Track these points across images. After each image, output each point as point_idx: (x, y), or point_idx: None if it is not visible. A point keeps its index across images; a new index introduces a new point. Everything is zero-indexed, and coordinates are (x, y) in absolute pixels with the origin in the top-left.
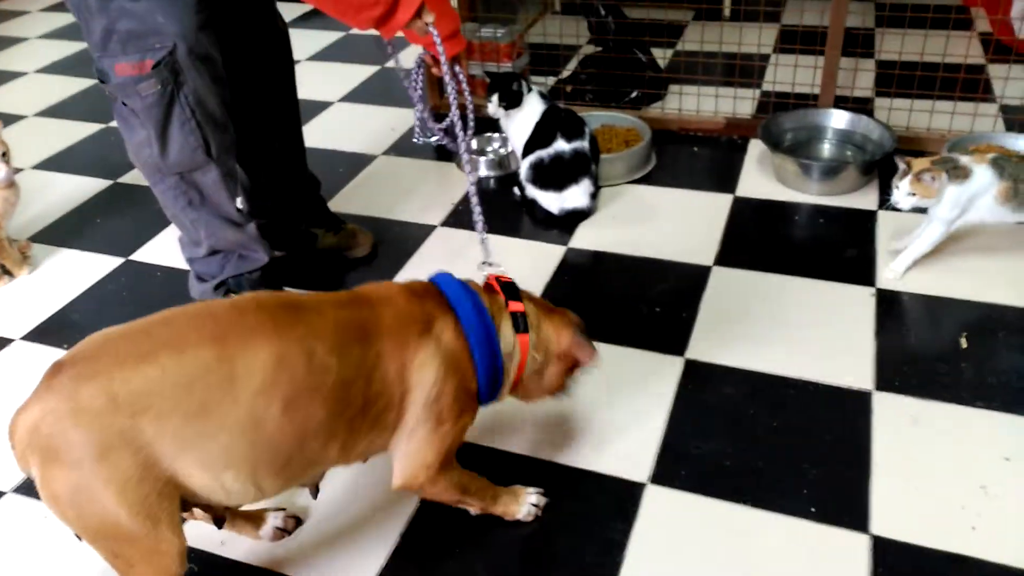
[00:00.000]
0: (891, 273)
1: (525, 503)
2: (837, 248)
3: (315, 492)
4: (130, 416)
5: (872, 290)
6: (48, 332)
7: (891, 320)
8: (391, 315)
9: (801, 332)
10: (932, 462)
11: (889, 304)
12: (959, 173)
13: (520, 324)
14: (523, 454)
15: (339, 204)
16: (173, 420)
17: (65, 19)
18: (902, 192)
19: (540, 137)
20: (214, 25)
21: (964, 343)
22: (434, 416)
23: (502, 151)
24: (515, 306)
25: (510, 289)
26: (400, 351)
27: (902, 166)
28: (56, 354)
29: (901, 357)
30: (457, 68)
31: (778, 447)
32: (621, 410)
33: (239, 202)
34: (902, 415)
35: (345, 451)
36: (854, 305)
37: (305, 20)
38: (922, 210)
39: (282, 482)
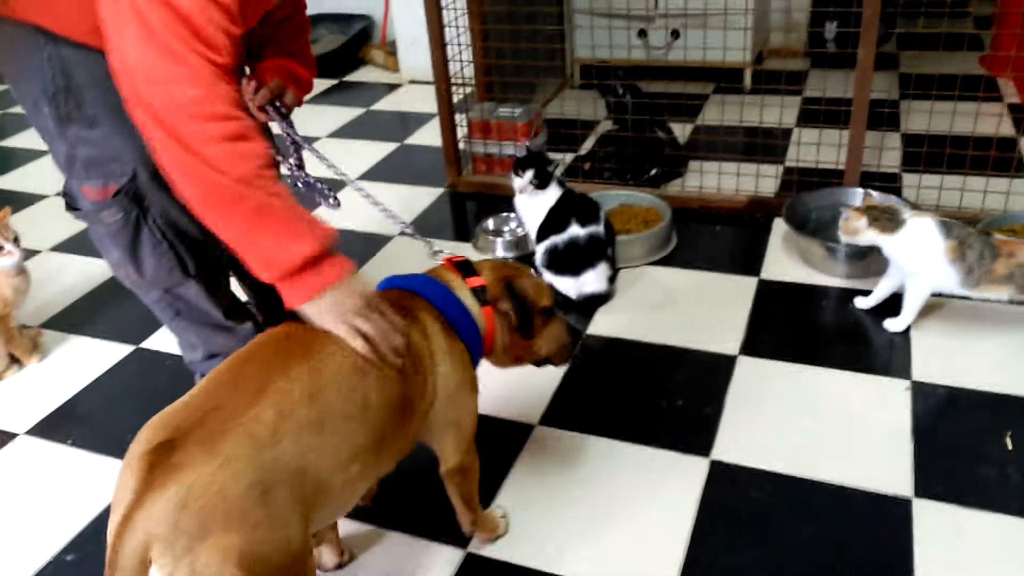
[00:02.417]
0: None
1: (500, 520)
2: (868, 336)
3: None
4: (274, 447)
5: (907, 383)
6: (52, 427)
7: (929, 417)
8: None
9: (834, 430)
10: None
11: (925, 399)
12: (887, 225)
13: (480, 296)
14: (535, 568)
15: None
16: (307, 435)
17: None
18: (839, 227)
19: (554, 222)
20: None
21: (1009, 444)
22: (460, 387)
23: (519, 231)
24: (473, 282)
25: (465, 267)
26: (408, 331)
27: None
28: (58, 449)
29: (941, 459)
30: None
31: (812, 562)
32: (642, 517)
33: (245, 298)
34: (945, 526)
35: (405, 432)
36: (888, 400)
37: (325, 96)
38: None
39: (389, 460)
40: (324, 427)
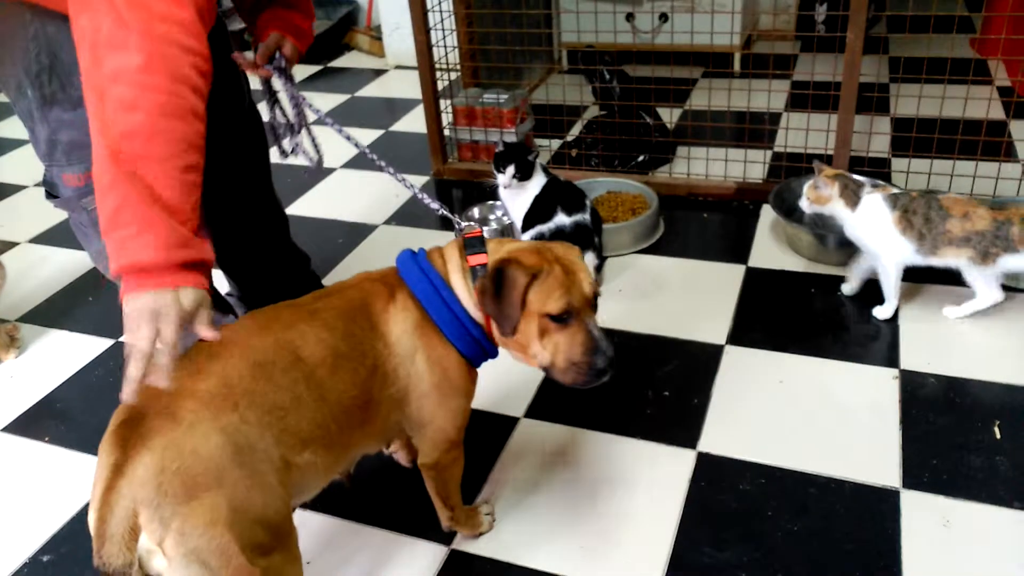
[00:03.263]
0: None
1: (484, 518)
2: (856, 325)
3: (349, 480)
4: (231, 413)
5: (895, 372)
6: (29, 424)
7: (917, 406)
8: (358, 296)
9: (821, 420)
10: (967, 572)
11: (914, 388)
12: (851, 198)
13: (478, 276)
14: (520, 564)
15: (337, 277)
16: (265, 411)
17: None
18: (804, 196)
19: (540, 211)
20: None
21: (998, 433)
22: (435, 389)
23: (505, 220)
24: (475, 259)
25: (474, 243)
26: (377, 325)
27: (816, 169)
28: (35, 447)
29: (929, 449)
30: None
31: (799, 555)
32: (626, 512)
33: (227, 288)
34: (933, 517)
35: (373, 425)
36: (876, 389)
37: (309, 82)
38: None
39: (363, 444)
40: (283, 408)
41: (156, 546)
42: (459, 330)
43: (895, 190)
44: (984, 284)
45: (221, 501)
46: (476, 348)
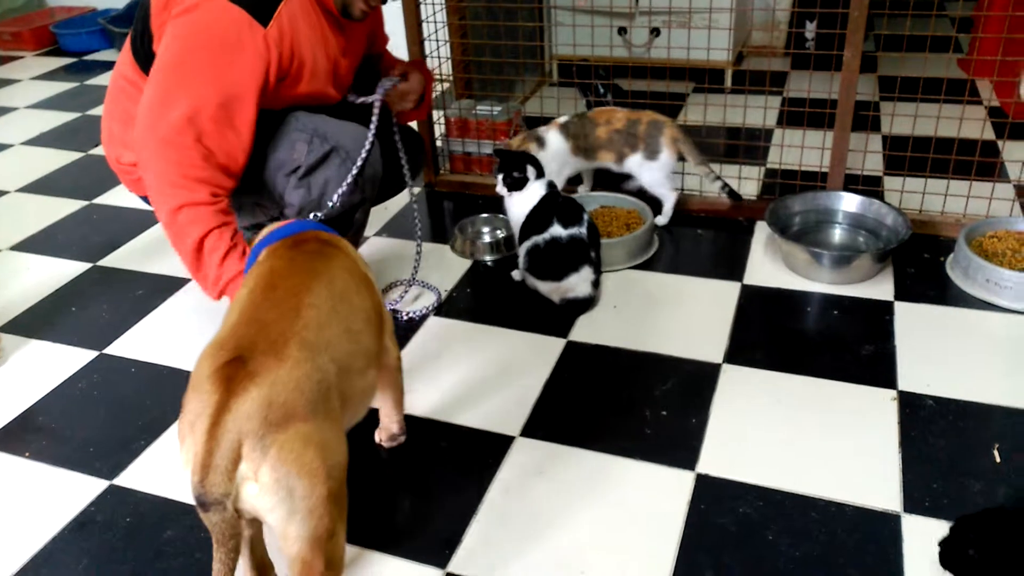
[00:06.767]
0: None
1: None
2: (853, 344)
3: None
4: (324, 352)
5: (893, 393)
6: (9, 438)
7: (916, 428)
8: (325, 247)
9: (820, 442)
10: None
11: (912, 409)
12: (540, 143)
13: None
14: None
15: None
16: (340, 342)
17: (56, 88)
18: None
19: (536, 222)
20: None
21: (997, 457)
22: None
23: (499, 233)
24: None
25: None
26: (357, 267)
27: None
28: (16, 462)
29: (929, 473)
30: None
31: None
32: (626, 535)
33: None
34: (935, 543)
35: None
36: (874, 410)
37: None
38: None
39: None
40: (348, 334)
41: (252, 475)
42: None
43: (563, 118)
44: (657, 185)
45: (312, 430)
46: None
